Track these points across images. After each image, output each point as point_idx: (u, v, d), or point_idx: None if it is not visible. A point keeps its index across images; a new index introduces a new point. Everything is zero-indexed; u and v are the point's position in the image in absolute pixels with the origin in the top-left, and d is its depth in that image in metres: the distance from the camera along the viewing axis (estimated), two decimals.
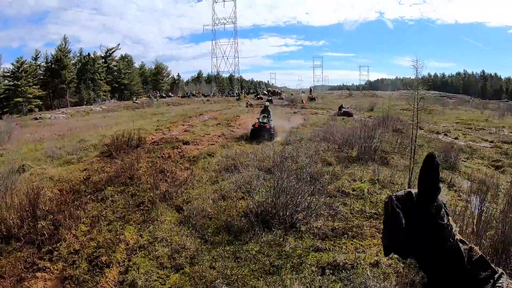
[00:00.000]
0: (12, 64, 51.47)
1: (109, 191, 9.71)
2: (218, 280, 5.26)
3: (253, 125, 16.55)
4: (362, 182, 9.18)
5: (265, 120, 16.62)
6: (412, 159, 9.06)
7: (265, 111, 17.84)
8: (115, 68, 64.21)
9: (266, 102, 20.27)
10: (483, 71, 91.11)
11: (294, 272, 5.31)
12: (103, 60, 62.88)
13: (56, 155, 14.65)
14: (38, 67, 55.07)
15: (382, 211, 7.38)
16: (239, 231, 6.63)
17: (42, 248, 7.28)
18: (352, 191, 8.54)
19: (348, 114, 24.17)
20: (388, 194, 8.47)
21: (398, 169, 10.63)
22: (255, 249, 6.05)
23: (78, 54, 59.44)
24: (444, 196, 8.84)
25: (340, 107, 26.09)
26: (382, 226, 6.32)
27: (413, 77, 10.34)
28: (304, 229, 6.64)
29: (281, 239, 6.28)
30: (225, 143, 14.94)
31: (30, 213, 8.26)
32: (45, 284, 6.22)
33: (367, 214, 7.28)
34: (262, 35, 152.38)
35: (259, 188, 8.11)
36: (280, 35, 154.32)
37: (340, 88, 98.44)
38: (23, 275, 6.44)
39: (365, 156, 11.26)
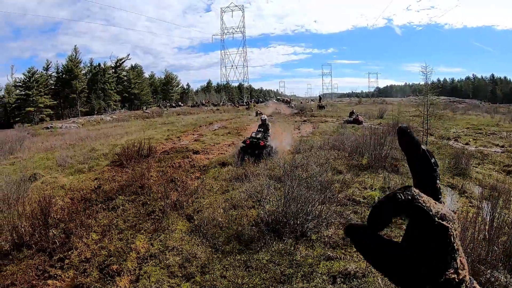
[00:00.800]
0: (24, 74, 52.43)
1: (120, 200, 9.77)
2: None
3: (244, 142, 13.87)
4: (372, 190, 9.13)
5: (259, 136, 13.89)
6: None
7: (263, 125, 15.14)
8: (125, 78, 64.88)
9: (263, 116, 16.29)
10: (493, 75, 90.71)
11: (305, 281, 5.28)
12: (113, 70, 63.55)
13: (67, 164, 14.78)
14: (49, 77, 55.86)
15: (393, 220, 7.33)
16: (250, 240, 6.61)
17: (54, 256, 7.33)
18: (363, 199, 8.48)
19: (358, 122, 23.92)
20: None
21: (409, 177, 10.50)
22: (266, 258, 6.03)
23: (88, 64, 60.16)
24: (456, 202, 8.78)
25: (350, 115, 25.89)
26: (393, 235, 6.27)
27: (422, 83, 10.34)
28: (314, 237, 6.61)
29: (292, 248, 6.25)
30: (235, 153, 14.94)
31: (41, 221, 8.33)
32: None
33: None
34: (271, 44, 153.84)
35: (269, 197, 8.11)
36: (289, 44, 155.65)
37: (349, 95, 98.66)
38: (34, 282, 6.50)
39: (375, 164, 11.20)
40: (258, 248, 6.34)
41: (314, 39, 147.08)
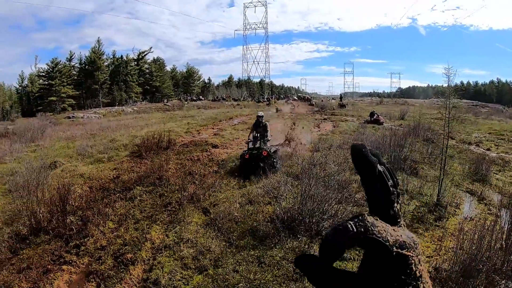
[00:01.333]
0: (47, 64, 53.37)
1: (138, 191, 9.91)
2: (241, 284, 5.26)
3: (242, 155, 11.41)
4: None
5: (257, 144, 11.66)
6: (442, 170, 8.82)
7: (259, 127, 12.36)
8: (147, 70, 65.36)
9: (260, 113, 13.17)
10: None
11: None
12: (136, 62, 64.03)
13: (87, 153, 15.04)
14: (72, 68, 56.65)
15: (409, 223, 7.25)
16: (265, 236, 6.60)
17: (70, 242, 7.47)
18: None
19: (378, 122, 23.49)
20: (416, 205, 8.32)
21: (428, 180, 10.38)
22: (279, 255, 6.01)
23: (111, 56, 60.82)
24: (474, 209, 8.63)
25: (371, 115, 25.45)
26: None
27: (445, 85, 10.14)
28: None
29: (306, 246, 6.22)
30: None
31: (60, 208, 8.49)
32: (70, 277, 6.37)
33: None
34: (294, 41, 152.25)
35: (286, 194, 8.06)
36: (311, 41, 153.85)
37: (371, 95, 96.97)
38: (49, 267, 6.62)
39: (394, 166, 11.06)
40: (272, 245, 6.33)
41: (337, 37, 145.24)
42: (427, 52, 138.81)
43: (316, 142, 15.49)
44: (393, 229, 0.70)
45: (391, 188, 0.74)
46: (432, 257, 5.90)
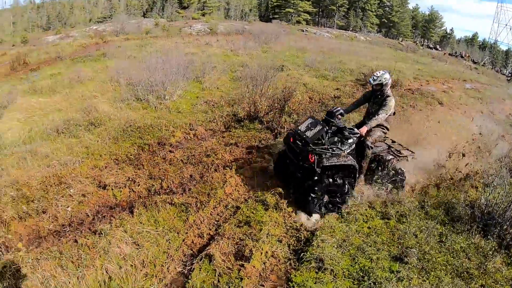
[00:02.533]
0: None
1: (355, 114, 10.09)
2: (414, 250, 5.22)
3: (287, 137, 6.47)
4: None
5: (312, 132, 5.96)
6: None
7: (374, 97, 6.82)
8: (388, 3, 64.65)
9: (379, 73, 6.61)
10: None
11: None
12: None
13: (314, 67, 16.04)
14: None
15: None
16: (458, 218, 6.27)
17: (277, 138, 8.39)
18: None
19: None
20: None
21: None
22: (462, 244, 5.62)
23: None
24: None
25: None
26: None
27: None
28: None
29: (489, 251, 5.56)
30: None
31: (279, 106, 9.44)
32: (267, 165, 7.13)
33: None
34: None
35: (498, 185, 7.36)
36: None
37: None
38: (253, 151, 7.68)
39: None
40: (460, 231, 5.97)
41: None
42: None
43: None
44: None
45: None
46: None
